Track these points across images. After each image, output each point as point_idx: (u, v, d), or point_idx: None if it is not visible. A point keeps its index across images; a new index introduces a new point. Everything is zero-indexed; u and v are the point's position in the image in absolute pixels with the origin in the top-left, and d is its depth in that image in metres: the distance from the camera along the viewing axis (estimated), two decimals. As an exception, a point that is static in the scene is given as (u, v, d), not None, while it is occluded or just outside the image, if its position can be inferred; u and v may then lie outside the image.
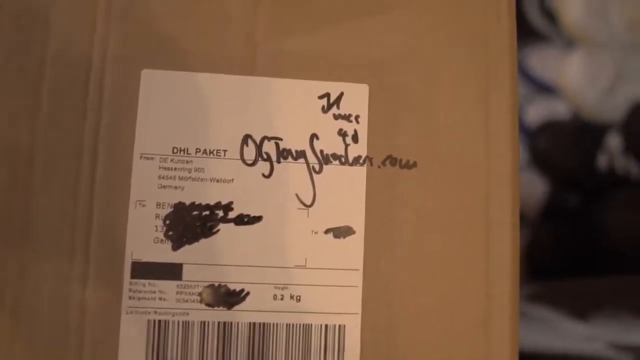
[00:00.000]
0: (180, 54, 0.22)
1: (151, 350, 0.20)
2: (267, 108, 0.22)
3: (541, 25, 0.64)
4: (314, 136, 0.22)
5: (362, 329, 0.21)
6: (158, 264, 0.21)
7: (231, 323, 0.21)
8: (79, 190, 0.21)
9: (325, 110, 0.22)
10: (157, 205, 0.21)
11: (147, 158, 0.21)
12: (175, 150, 0.21)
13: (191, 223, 0.21)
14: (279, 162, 0.21)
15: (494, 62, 0.23)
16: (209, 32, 0.22)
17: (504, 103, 0.23)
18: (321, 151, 0.22)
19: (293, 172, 0.21)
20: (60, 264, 0.20)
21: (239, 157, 0.21)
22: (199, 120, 0.21)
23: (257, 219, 0.21)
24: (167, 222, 0.21)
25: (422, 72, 0.22)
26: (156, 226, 0.21)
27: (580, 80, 0.59)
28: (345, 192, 0.22)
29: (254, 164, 0.21)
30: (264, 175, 0.21)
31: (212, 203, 0.21)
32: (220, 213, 0.21)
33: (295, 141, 0.22)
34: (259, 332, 0.21)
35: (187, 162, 0.21)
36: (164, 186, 0.21)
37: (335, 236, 0.21)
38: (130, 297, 0.20)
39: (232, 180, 0.21)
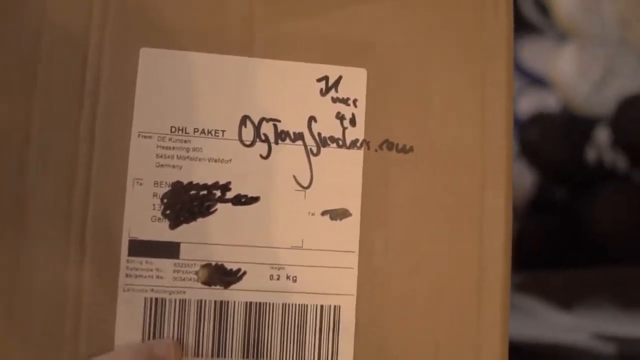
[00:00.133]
0: (179, 34, 0.21)
1: (148, 328, 0.20)
2: (266, 89, 0.22)
3: (534, 18, 0.65)
4: (312, 119, 0.22)
5: (357, 310, 0.21)
6: (155, 243, 0.21)
7: (228, 302, 0.21)
8: (77, 168, 0.21)
9: (323, 93, 0.22)
10: (154, 183, 0.21)
11: (145, 137, 0.21)
12: (173, 130, 0.21)
13: (189, 202, 0.21)
14: (277, 143, 0.22)
15: (490, 49, 0.23)
16: (207, 12, 0.22)
17: (500, 90, 0.23)
18: (319, 134, 0.22)
19: (291, 154, 0.22)
20: (57, 242, 0.20)
21: (237, 138, 0.21)
22: (198, 100, 0.21)
23: (255, 199, 0.21)
24: (165, 200, 0.21)
25: (420, 58, 0.23)
26: (154, 205, 0.21)
27: (571, 74, 0.59)
28: (342, 175, 0.22)
29: (252, 144, 0.21)
30: (261, 156, 0.21)
31: (209, 183, 0.21)
32: (218, 193, 0.21)
33: (293, 123, 0.22)
34: (255, 312, 0.21)
35: (185, 141, 0.21)
36: (161, 165, 0.21)
37: (332, 218, 0.22)
38: (127, 275, 0.21)
39: (230, 160, 0.21)
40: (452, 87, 0.23)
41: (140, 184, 0.21)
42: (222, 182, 0.21)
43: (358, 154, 0.22)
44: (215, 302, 0.21)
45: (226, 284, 0.21)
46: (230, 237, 0.21)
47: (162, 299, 0.21)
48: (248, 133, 0.21)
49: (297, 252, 0.21)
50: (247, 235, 0.21)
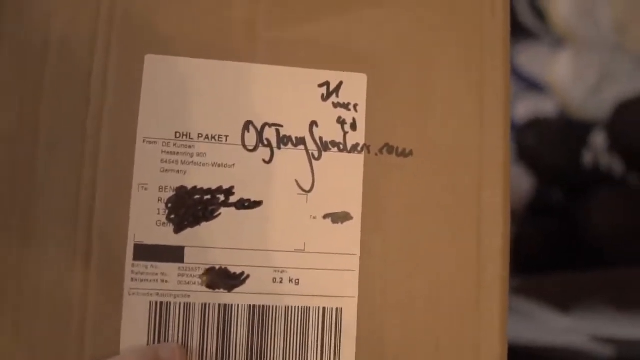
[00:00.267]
0: (183, 41, 0.22)
1: (153, 332, 0.21)
2: (268, 95, 0.22)
3: (530, 23, 0.65)
4: (313, 123, 0.22)
5: (359, 312, 0.22)
6: (160, 247, 0.21)
7: (231, 305, 0.21)
8: (82, 173, 0.21)
9: (324, 98, 0.22)
10: (159, 188, 0.21)
11: (150, 142, 0.21)
12: (177, 135, 0.21)
13: (193, 207, 0.21)
14: (279, 148, 0.22)
15: (488, 54, 0.23)
16: (210, 19, 0.22)
17: (498, 95, 0.23)
18: (320, 138, 0.22)
19: (293, 159, 0.22)
20: (63, 246, 0.21)
21: (240, 143, 0.22)
22: (201, 106, 0.22)
23: (258, 203, 0.22)
24: (169, 205, 0.21)
25: (419, 63, 0.23)
26: (158, 209, 0.21)
27: (567, 78, 0.60)
28: (344, 179, 0.22)
29: (254, 149, 0.22)
30: (264, 160, 0.22)
31: (213, 187, 0.21)
32: (222, 197, 0.21)
33: (295, 128, 0.22)
34: (259, 315, 0.21)
35: (190, 146, 0.21)
36: (166, 170, 0.21)
37: (334, 221, 0.22)
38: (132, 279, 0.21)
39: (234, 165, 0.22)
40: (451, 90, 0.23)
41: (145, 189, 0.21)
42: (225, 186, 0.21)
43: (359, 158, 0.22)
44: (219, 305, 0.21)
45: (230, 288, 0.21)
46: (234, 241, 0.21)
47: (167, 302, 0.21)
48: (251, 138, 0.22)
49: (300, 255, 0.22)
50: (250, 239, 0.21)
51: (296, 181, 0.22)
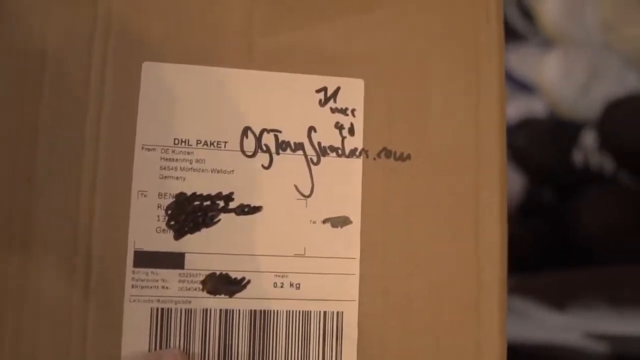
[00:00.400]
0: (179, 48, 0.22)
1: (154, 338, 0.21)
2: (266, 101, 0.22)
3: (519, 25, 0.66)
4: (311, 129, 0.22)
5: (359, 315, 0.22)
6: (160, 253, 0.21)
7: (232, 311, 0.21)
8: (81, 180, 0.21)
9: (322, 103, 0.22)
10: (158, 195, 0.21)
11: (149, 149, 0.21)
12: (176, 142, 0.21)
13: (192, 213, 0.21)
14: (278, 153, 0.22)
15: (483, 58, 0.24)
16: (207, 26, 0.22)
17: (493, 97, 0.24)
18: (319, 143, 0.22)
19: (292, 164, 0.22)
20: (62, 254, 0.21)
21: (239, 149, 0.22)
22: (200, 113, 0.22)
23: (257, 209, 0.22)
24: (169, 212, 0.21)
25: (415, 68, 0.23)
26: (158, 216, 0.21)
27: (556, 79, 0.60)
28: (342, 183, 0.22)
29: (253, 155, 0.22)
30: (263, 166, 0.22)
31: (213, 193, 0.21)
32: (221, 203, 0.21)
33: (293, 133, 0.22)
34: (260, 319, 0.21)
35: (188, 153, 0.21)
36: (165, 177, 0.21)
37: (333, 226, 0.22)
38: (133, 286, 0.21)
39: (233, 171, 0.22)
40: (447, 94, 0.23)
41: (145, 196, 0.21)
42: (225, 192, 0.22)
43: (357, 163, 0.22)
44: (220, 310, 0.21)
45: (231, 293, 0.21)
46: (234, 247, 0.21)
47: (167, 309, 0.21)
48: (249, 144, 0.22)
49: (300, 259, 0.22)
50: (250, 244, 0.22)
51: (295, 186, 0.22)
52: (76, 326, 0.20)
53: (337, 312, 0.22)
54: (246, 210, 0.22)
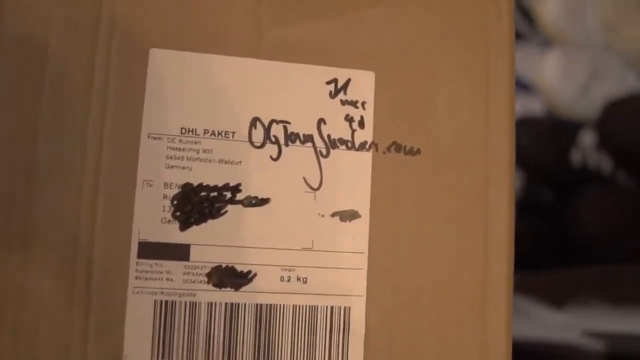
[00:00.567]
0: (188, 35, 0.21)
1: (157, 331, 0.20)
2: (276, 91, 0.22)
3: (519, 25, 0.66)
4: (321, 121, 0.22)
5: (367, 311, 0.21)
6: (165, 245, 0.21)
7: (238, 304, 0.21)
8: (86, 169, 0.20)
9: (332, 95, 0.22)
10: (164, 185, 0.21)
11: (155, 138, 0.21)
12: (183, 131, 0.21)
13: (199, 204, 0.21)
14: (287, 145, 0.22)
15: (494, 54, 0.24)
16: (216, 14, 0.22)
17: (503, 95, 0.24)
18: (328, 136, 0.22)
19: (300, 156, 0.22)
20: (65, 242, 0.20)
21: (247, 139, 0.21)
22: (208, 102, 0.21)
23: (265, 201, 0.21)
24: (175, 202, 0.21)
25: (426, 62, 0.23)
26: (163, 206, 0.21)
27: (556, 79, 0.60)
28: (352, 177, 0.22)
29: (262, 146, 0.21)
30: (272, 157, 0.21)
31: (220, 184, 0.21)
32: (228, 194, 0.21)
33: (303, 125, 0.22)
34: (266, 314, 0.21)
35: (196, 142, 0.21)
36: (171, 166, 0.21)
37: (342, 219, 0.22)
38: (136, 278, 0.20)
39: (240, 162, 0.21)
40: (458, 89, 0.23)
41: (150, 186, 0.21)
42: (232, 183, 0.21)
43: (367, 156, 0.22)
44: (225, 304, 0.21)
45: (237, 286, 0.21)
46: (241, 239, 0.21)
47: (172, 301, 0.21)
48: (258, 134, 0.21)
49: (307, 253, 0.21)
50: (257, 236, 0.21)
51: (304, 179, 0.22)
52: (78, 318, 0.20)
53: (345, 307, 0.21)
54: (254, 202, 0.21)
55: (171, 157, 0.21)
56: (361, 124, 0.22)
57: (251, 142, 0.21)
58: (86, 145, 0.20)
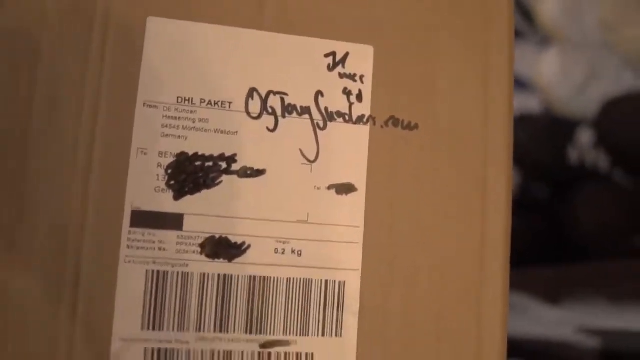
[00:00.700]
0: (186, 4, 0.21)
1: (149, 301, 0.20)
2: (274, 63, 0.21)
3: (517, 23, 0.66)
4: (319, 93, 0.22)
5: (362, 285, 0.21)
6: (158, 214, 0.20)
7: (231, 276, 0.20)
8: (80, 135, 0.20)
9: (330, 68, 0.22)
10: (159, 154, 0.20)
11: (151, 106, 0.21)
12: (179, 100, 0.21)
13: (194, 173, 0.21)
14: (283, 116, 0.21)
15: (494, 34, 0.23)
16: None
17: (502, 73, 0.23)
18: (326, 108, 0.22)
19: (297, 128, 0.21)
20: (57, 209, 0.20)
21: (244, 110, 0.21)
22: (205, 71, 0.21)
23: (261, 172, 0.21)
24: (169, 171, 0.20)
25: (426, 38, 0.23)
26: (158, 175, 0.20)
27: (554, 77, 0.60)
28: (349, 150, 0.22)
29: (258, 117, 0.21)
30: (268, 129, 0.21)
31: (215, 154, 0.21)
32: (224, 165, 0.21)
33: (300, 97, 0.22)
34: (259, 286, 0.21)
35: (192, 112, 0.21)
36: (167, 135, 0.21)
37: (338, 192, 0.21)
38: (128, 247, 0.20)
39: (237, 132, 0.21)
40: (457, 65, 0.23)
41: (145, 154, 0.20)
42: (228, 154, 0.21)
43: (364, 130, 0.22)
44: (218, 275, 0.20)
45: (230, 258, 0.21)
46: (235, 210, 0.21)
47: (164, 271, 0.20)
48: (255, 105, 0.21)
49: (303, 226, 0.21)
50: (252, 208, 0.21)
51: (300, 151, 0.21)
52: (67, 286, 0.20)
53: (339, 282, 0.21)
54: (249, 172, 0.21)
55: (167, 126, 0.21)
56: (359, 97, 0.22)
57: (248, 113, 0.21)
58: (82, 112, 0.20)
